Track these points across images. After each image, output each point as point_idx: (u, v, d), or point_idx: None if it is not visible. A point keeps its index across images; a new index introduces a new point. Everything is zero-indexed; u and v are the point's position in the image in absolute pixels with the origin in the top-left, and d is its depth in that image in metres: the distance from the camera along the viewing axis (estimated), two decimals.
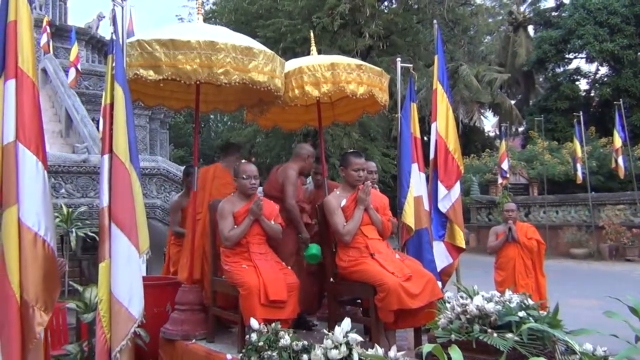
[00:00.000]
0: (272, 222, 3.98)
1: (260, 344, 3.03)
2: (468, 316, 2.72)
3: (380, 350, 2.64)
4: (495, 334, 2.58)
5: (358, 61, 4.65)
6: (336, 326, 2.90)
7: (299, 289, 3.78)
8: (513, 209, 6.10)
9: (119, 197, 3.24)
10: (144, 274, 3.71)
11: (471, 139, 30.14)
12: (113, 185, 3.25)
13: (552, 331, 2.57)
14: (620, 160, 15.97)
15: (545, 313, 2.78)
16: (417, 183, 4.83)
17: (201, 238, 4.34)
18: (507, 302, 2.79)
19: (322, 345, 2.85)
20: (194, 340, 3.97)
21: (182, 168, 10.79)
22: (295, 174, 4.50)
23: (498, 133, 31.71)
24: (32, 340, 2.89)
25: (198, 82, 4.01)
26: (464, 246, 5.01)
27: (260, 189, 5.17)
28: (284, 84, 4.21)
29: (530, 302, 2.86)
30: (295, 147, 4.88)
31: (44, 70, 14.67)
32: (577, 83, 28.04)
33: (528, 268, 5.97)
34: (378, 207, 4.01)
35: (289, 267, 3.97)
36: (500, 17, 25.58)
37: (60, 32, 16.91)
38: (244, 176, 3.97)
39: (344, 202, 3.90)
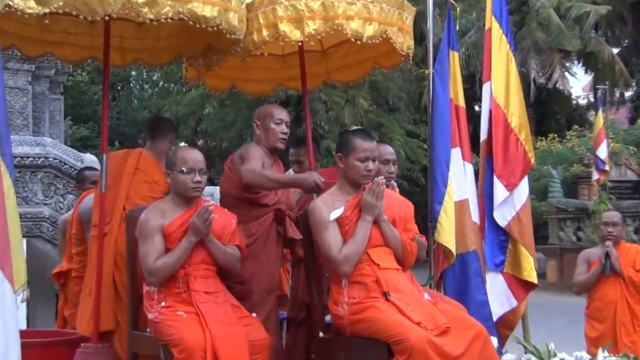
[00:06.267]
0: (227, 247, 4.01)
1: None
2: None
3: None
4: None
5: None
6: None
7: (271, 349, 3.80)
8: (615, 221, 6.11)
9: None
10: (23, 327, 3.70)
11: (549, 110, 30.26)
12: None
13: None
14: None
15: None
16: (459, 180, 4.86)
17: (112, 267, 4.36)
18: None
19: None
20: None
21: (84, 156, 10.80)
22: (258, 148, 4.51)
23: (592, 100, 31.88)
24: None
25: (107, 19, 4.00)
26: (535, 281, 5.06)
27: (212, 190, 5.18)
28: (245, 21, 4.22)
29: None
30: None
31: None
32: None
33: (637, 317, 5.96)
34: (396, 218, 4.04)
35: (255, 315, 3.99)
36: None
37: None
38: (183, 169, 3.97)
39: (341, 211, 3.91)
